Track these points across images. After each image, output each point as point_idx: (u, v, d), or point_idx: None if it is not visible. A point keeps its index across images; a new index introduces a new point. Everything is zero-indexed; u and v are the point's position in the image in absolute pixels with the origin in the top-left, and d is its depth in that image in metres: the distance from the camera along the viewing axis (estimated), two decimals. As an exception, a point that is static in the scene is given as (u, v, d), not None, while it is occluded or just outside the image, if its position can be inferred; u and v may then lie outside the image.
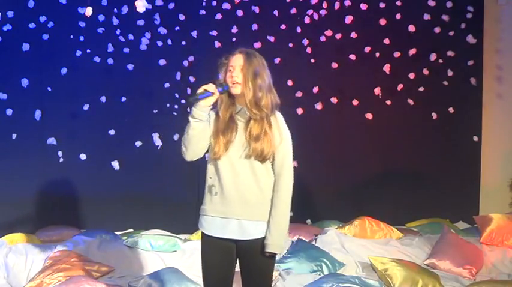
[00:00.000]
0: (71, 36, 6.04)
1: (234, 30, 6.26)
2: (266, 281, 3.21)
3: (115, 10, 6.07)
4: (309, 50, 6.41)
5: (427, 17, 6.51)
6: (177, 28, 6.21)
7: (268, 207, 3.16)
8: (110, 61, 6.12)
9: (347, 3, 6.45)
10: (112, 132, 6.14)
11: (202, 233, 3.24)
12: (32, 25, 5.97)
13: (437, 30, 6.53)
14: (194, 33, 6.22)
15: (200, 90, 3.11)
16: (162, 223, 5.85)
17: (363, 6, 6.43)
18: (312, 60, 6.43)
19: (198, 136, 3.14)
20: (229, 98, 3.18)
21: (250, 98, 3.11)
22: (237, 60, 3.15)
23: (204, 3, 6.25)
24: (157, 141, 6.12)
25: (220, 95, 3.15)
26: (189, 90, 6.22)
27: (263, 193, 3.15)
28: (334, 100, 6.46)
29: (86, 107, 6.10)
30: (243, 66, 3.13)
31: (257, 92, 3.11)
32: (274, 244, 3.12)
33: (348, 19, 6.42)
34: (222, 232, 3.16)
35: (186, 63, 6.23)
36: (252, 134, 3.11)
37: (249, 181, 3.13)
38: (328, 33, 6.43)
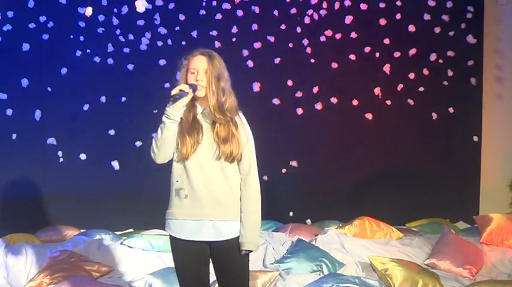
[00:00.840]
0: (71, 36, 6.04)
1: (234, 30, 6.26)
2: (243, 281, 3.21)
3: (115, 10, 6.07)
4: (309, 50, 6.41)
5: (427, 17, 6.50)
6: (177, 28, 6.21)
7: (239, 206, 3.16)
8: (110, 61, 6.12)
9: (347, 3, 6.44)
10: (112, 132, 6.14)
11: (172, 238, 3.21)
12: (32, 25, 5.97)
13: (437, 30, 6.53)
14: (194, 33, 6.21)
15: (176, 91, 3.08)
16: (162, 223, 5.83)
17: (363, 6, 6.43)
18: (312, 60, 6.43)
19: (171, 137, 3.11)
20: (190, 99, 3.15)
21: (214, 102, 3.11)
22: (200, 63, 3.13)
23: (204, 3, 6.25)
24: (158, 142, 6.11)
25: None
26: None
27: (234, 193, 3.15)
28: (334, 100, 6.46)
29: (86, 107, 6.10)
30: (207, 69, 3.12)
31: (220, 95, 3.11)
32: (249, 241, 3.13)
33: (348, 19, 6.42)
34: (196, 234, 3.14)
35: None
36: (220, 136, 3.10)
37: (220, 182, 3.12)
38: (328, 33, 6.43)
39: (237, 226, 3.15)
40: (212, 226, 3.13)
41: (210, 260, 3.23)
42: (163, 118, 3.09)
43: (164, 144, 3.11)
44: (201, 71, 3.12)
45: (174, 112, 3.07)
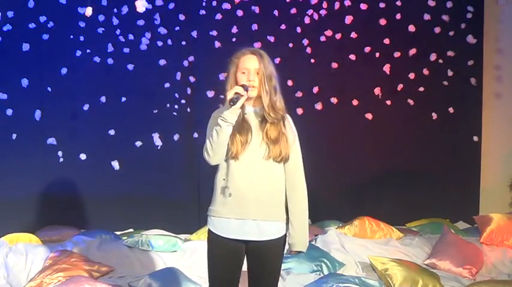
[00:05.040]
0: (71, 36, 6.05)
1: (234, 30, 6.26)
2: (275, 281, 3.23)
3: (115, 10, 6.07)
4: (309, 50, 6.42)
5: (427, 17, 6.51)
6: (177, 28, 6.21)
7: (283, 207, 3.16)
8: (110, 61, 6.12)
9: (347, 3, 6.45)
10: (112, 132, 6.14)
11: (212, 234, 3.20)
12: (32, 25, 5.97)
13: (437, 30, 6.53)
14: (194, 33, 6.22)
15: (232, 95, 3.04)
16: (162, 223, 5.85)
17: (363, 6, 6.43)
18: (312, 60, 6.43)
19: (227, 140, 3.09)
20: None
21: (267, 102, 3.10)
22: (251, 62, 3.11)
23: (204, 3, 6.25)
24: (157, 142, 6.12)
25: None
26: (189, 90, 6.22)
27: (279, 193, 3.15)
28: (334, 100, 6.46)
29: (86, 107, 6.11)
30: (259, 69, 3.10)
31: (273, 95, 3.12)
32: (299, 242, 3.15)
33: (348, 19, 6.42)
34: (239, 233, 3.13)
35: (186, 63, 6.24)
36: (270, 136, 3.10)
37: (266, 182, 3.12)
38: (328, 33, 6.43)
39: (279, 226, 3.15)
40: (255, 225, 3.13)
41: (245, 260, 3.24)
42: (220, 121, 3.05)
43: (222, 146, 3.09)
44: (253, 71, 3.10)
45: (232, 115, 3.05)
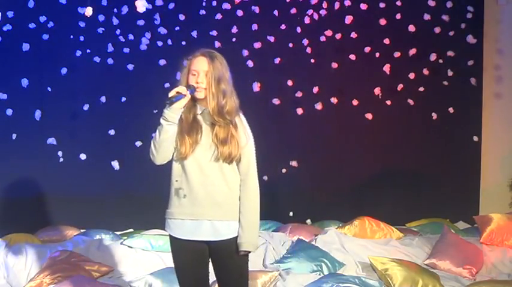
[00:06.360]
0: (71, 36, 6.05)
1: (234, 30, 6.26)
2: (242, 281, 3.21)
3: (115, 10, 6.07)
4: (309, 50, 6.41)
5: (427, 17, 6.51)
6: (177, 28, 6.21)
7: (238, 206, 3.15)
8: (110, 61, 6.12)
9: (347, 3, 6.45)
10: (112, 132, 6.14)
11: (172, 237, 3.21)
12: (32, 25, 5.97)
13: (437, 30, 6.53)
14: (194, 33, 6.22)
15: (173, 93, 3.09)
16: (162, 223, 5.83)
17: (363, 6, 6.43)
18: (312, 60, 6.43)
19: (169, 139, 3.11)
20: (190, 99, 3.14)
21: (213, 105, 3.09)
22: (201, 64, 3.11)
23: (204, 3, 6.25)
24: (158, 142, 6.11)
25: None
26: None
27: (232, 193, 3.14)
28: (334, 100, 6.46)
29: (86, 107, 6.11)
30: (207, 71, 3.09)
31: (220, 98, 3.09)
32: (247, 242, 3.11)
33: (348, 19, 6.42)
34: (194, 234, 3.13)
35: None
36: (219, 137, 3.09)
37: (218, 182, 3.12)
38: (328, 33, 6.43)
39: (235, 225, 3.14)
40: (210, 225, 3.13)
41: (210, 261, 3.23)
42: (161, 120, 3.09)
43: (162, 146, 3.12)
44: (202, 73, 3.10)
45: (172, 114, 3.07)
